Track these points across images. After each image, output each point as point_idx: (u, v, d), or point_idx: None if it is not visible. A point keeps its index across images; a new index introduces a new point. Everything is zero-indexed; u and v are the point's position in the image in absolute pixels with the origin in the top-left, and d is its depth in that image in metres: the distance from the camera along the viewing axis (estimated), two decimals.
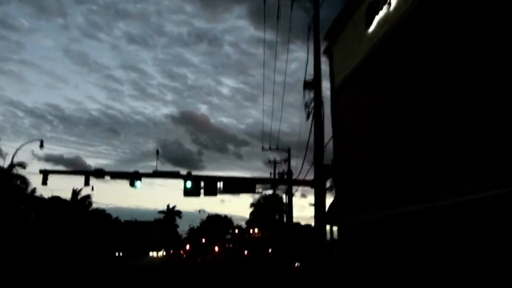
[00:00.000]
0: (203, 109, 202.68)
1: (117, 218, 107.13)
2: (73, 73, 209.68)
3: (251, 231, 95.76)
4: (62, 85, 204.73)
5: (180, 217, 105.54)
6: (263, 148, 39.25)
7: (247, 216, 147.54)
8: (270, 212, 69.11)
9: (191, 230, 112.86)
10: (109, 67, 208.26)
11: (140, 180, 29.86)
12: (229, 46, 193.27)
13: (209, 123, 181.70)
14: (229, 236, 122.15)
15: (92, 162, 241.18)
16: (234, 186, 30.28)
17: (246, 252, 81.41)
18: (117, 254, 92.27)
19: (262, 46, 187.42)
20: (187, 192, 29.39)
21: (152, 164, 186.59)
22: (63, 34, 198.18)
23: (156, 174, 30.83)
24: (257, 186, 31.88)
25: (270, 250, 67.85)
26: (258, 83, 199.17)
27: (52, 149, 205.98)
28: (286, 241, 42.13)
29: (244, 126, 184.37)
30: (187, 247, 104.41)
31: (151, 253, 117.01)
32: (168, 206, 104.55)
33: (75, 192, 59.03)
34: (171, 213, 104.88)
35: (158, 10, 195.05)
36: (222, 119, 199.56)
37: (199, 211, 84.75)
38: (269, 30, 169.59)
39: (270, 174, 39.75)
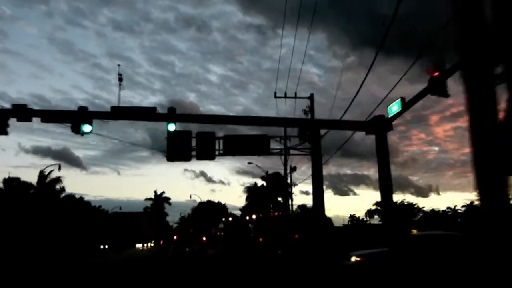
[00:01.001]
0: (191, 97, 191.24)
1: (99, 207, 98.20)
2: (59, 62, 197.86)
3: (247, 218, 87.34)
4: (47, 74, 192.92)
5: (170, 203, 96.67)
6: (275, 94, 30.16)
7: (240, 205, 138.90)
8: (271, 194, 60.28)
9: (182, 219, 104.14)
10: (95, 56, 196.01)
11: (91, 123, 20.37)
12: (217, 32, 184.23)
13: (198, 111, 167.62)
14: (222, 225, 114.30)
15: (81, 154, 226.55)
16: (240, 144, 21.15)
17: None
18: (102, 247, 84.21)
19: (250, 32, 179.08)
20: (172, 154, 20.12)
21: (142, 155, 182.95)
22: (47, 22, 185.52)
23: (117, 111, 20.85)
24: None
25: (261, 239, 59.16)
26: (247, 70, 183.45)
27: (39, 141, 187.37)
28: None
29: (233, 114, 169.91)
30: (175, 237, 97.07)
31: (139, 245, 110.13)
32: (155, 192, 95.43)
33: (43, 175, 49.50)
34: (159, 200, 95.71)
35: None
36: (211, 107, 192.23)
37: (190, 196, 75.55)
38: (258, 15, 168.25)
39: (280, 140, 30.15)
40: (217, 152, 21.22)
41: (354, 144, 47.18)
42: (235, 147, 21.26)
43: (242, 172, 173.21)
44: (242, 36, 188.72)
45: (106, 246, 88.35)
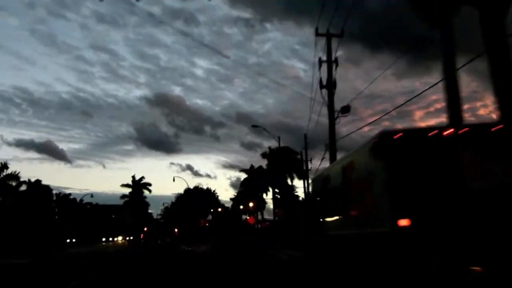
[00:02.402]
0: (176, 91, 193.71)
1: (68, 195, 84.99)
2: (41, 54, 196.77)
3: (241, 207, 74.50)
4: (29, 66, 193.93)
5: (150, 190, 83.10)
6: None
7: (226, 198, 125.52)
8: (277, 174, 47.18)
9: (166, 210, 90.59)
10: (79, 48, 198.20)
11: None
12: (202, 26, 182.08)
13: (184, 105, 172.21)
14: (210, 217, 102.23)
15: (65, 147, 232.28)
16: None
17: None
18: (68, 240, 75.47)
19: (236, 26, 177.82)
20: None
21: (127, 148, 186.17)
22: (29, 13, 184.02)
23: None
24: None
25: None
26: (233, 64, 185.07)
27: (22, 134, 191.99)
28: None
29: (219, 108, 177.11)
30: (145, 229, 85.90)
31: (118, 238, 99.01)
32: (133, 177, 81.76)
33: None
34: (139, 187, 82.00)
35: None
36: (197, 101, 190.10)
37: (173, 179, 62.14)
38: (244, 8, 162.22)
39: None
40: None
41: None
42: None
43: (229, 166, 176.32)
44: (228, 30, 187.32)
45: (74, 240, 75.83)
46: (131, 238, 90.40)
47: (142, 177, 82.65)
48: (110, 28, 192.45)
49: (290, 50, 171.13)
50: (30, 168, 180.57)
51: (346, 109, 19.10)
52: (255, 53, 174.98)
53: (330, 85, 19.50)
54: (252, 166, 66.28)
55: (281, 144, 45.96)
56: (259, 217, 62.95)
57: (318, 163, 35.33)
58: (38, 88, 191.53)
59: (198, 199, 69.70)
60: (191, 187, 73.33)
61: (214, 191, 70.31)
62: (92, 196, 77.48)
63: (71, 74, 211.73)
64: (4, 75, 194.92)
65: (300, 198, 60.81)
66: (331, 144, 19.36)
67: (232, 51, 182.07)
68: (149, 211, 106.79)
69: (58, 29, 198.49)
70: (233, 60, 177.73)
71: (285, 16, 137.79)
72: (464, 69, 10.62)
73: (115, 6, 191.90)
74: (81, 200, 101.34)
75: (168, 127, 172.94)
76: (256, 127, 35.86)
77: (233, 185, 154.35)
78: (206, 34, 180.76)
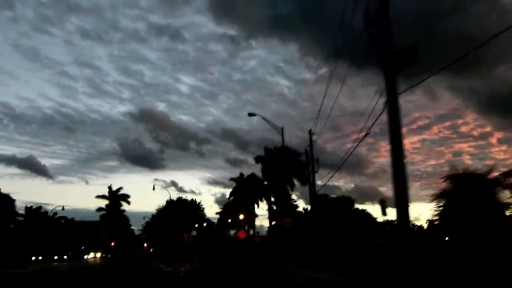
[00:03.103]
0: (161, 107, 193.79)
1: (39, 208, 77.02)
2: (24, 69, 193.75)
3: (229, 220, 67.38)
4: (12, 81, 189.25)
5: (128, 202, 75.45)
6: None
7: (211, 215, 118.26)
8: (272, 180, 40.34)
9: (148, 224, 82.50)
10: (62, 63, 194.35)
11: None
12: (187, 42, 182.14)
13: (169, 120, 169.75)
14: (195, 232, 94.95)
15: (47, 162, 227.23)
16: None
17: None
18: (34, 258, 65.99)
19: (221, 42, 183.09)
20: None
21: (110, 164, 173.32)
22: (12, 28, 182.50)
23: None
24: None
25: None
26: (217, 80, 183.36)
27: (3, 149, 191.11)
28: None
29: (203, 124, 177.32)
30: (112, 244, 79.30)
31: (93, 254, 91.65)
32: (110, 188, 74.14)
33: None
34: (115, 198, 74.34)
35: (112, 4, 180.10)
36: (181, 117, 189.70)
37: (153, 187, 54.62)
38: (230, 25, 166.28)
39: None
40: None
41: None
42: None
43: (213, 182, 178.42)
44: (213, 47, 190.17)
45: (40, 257, 68.08)
46: (108, 255, 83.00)
47: (120, 188, 75.22)
48: (94, 44, 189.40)
49: (274, 68, 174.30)
50: (10, 184, 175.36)
51: None
52: (240, 70, 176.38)
53: None
54: (241, 174, 59.52)
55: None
56: (251, 231, 55.97)
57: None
58: (20, 103, 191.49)
59: (181, 211, 62.32)
60: (174, 199, 65.82)
61: (199, 203, 62.86)
62: (63, 209, 70.00)
63: (54, 89, 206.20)
64: None
65: (301, 208, 54.40)
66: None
67: (217, 67, 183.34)
68: (132, 227, 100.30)
69: (41, 44, 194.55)
70: (218, 76, 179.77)
71: (270, 34, 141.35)
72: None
73: (99, 22, 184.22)
74: (54, 213, 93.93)
75: (153, 143, 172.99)
76: (253, 115, 29.22)
77: (218, 201, 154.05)
78: (191, 50, 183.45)
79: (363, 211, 46.56)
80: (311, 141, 29.31)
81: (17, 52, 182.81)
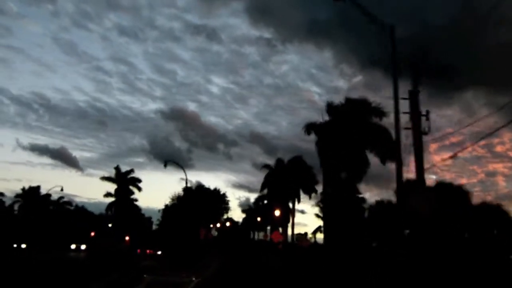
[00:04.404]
0: (191, 107, 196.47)
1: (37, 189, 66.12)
2: (61, 62, 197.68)
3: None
4: (49, 73, 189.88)
5: (139, 188, 63.12)
6: None
7: (236, 219, 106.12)
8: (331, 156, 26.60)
9: (166, 208, 68.67)
10: (98, 59, 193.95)
11: None
12: (221, 44, 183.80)
13: (199, 120, 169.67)
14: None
15: (78, 154, 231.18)
16: None
17: None
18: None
19: (255, 45, 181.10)
20: None
21: (138, 160, 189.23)
22: (52, 22, 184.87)
23: None
24: None
25: None
26: (248, 83, 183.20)
27: (37, 138, 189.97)
28: None
29: (232, 127, 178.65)
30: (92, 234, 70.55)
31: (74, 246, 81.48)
32: (117, 169, 62.22)
33: None
34: (124, 182, 62.23)
35: (149, 3, 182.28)
36: (211, 119, 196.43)
37: (165, 164, 41.56)
38: (266, 27, 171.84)
39: None
40: None
41: None
42: None
43: (238, 186, 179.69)
44: (246, 49, 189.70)
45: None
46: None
47: (131, 170, 62.98)
48: (130, 41, 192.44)
49: (306, 74, 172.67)
50: (42, 173, 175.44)
51: None
52: (272, 74, 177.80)
53: None
54: (280, 159, 46.22)
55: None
56: (289, 231, 42.72)
57: None
58: (56, 95, 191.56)
59: (200, 202, 49.44)
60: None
61: (224, 193, 48.88)
62: (62, 189, 58.40)
63: (89, 84, 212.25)
64: (25, 80, 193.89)
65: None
66: None
67: (249, 70, 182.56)
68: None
69: (79, 39, 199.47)
70: (249, 80, 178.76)
71: (306, 38, 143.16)
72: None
73: (136, 19, 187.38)
74: (60, 199, 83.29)
75: (181, 142, 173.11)
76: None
77: (241, 205, 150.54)
78: (224, 52, 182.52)
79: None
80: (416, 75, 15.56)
81: (56, 45, 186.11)
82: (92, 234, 71.06)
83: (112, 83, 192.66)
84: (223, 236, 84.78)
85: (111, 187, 63.71)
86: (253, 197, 61.37)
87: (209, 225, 53.93)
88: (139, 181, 63.01)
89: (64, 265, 30.35)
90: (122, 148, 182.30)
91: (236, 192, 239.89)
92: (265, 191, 51.67)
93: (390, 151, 21.94)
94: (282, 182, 44.92)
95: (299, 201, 44.92)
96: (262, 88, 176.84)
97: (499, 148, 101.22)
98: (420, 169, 14.96)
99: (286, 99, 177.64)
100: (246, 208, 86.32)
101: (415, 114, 15.07)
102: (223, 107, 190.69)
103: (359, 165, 26.28)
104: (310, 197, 44.75)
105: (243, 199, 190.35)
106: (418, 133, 15.21)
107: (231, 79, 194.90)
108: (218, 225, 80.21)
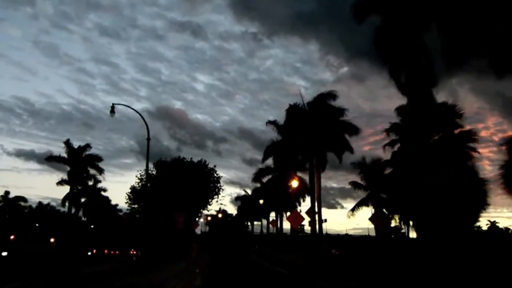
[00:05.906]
0: (177, 105, 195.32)
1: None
2: (43, 65, 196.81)
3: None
4: (31, 77, 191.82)
5: (101, 170, 47.75)
6: None
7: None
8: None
9: (133, 191, 51.39)
10: (80, 60, 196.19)
11: None
12: (204, 41, 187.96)
13: (186, 119, 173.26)
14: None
15: None
16: None
17: None
18: None
19: (239, 41, 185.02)
20: None
21: (127, 162, 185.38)
22: (32, 25, 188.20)
23: None
24: None
25: None
26: (234, 79, 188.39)
27: (22, 144, 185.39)
28: None
29: (219, 123, 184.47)
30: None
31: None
32: (67, 144, 46.83)
33: None
34: (79, 162, 46.65)
35: (130, 2, 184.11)
36: (197, 116, 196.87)
37: (112, 108, 26.36)
38: (250, 22, 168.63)
39: None
40: None
41: None
42: None
43: (229, 182, 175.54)
44: (230, 46, 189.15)
45: None
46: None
47: (87, 145, 47.30)
48: (112, 41, 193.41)
49: (292, 68, 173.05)
50: (29, 179, 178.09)
51: None
52: (257, 69, 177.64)
53: None
54: (294, 105, 31.01)
55: None
56: (317, 209, 27.74)
57: None
58: (39, 99, 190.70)
59: (179, 179, 34.21)
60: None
61: (214, 167, 33.82)
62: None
63: (72, 86, 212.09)
64: (6, 85, 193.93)
65: None
66: None
67: (233, 66, 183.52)
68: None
69: (60, 41, 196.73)
70: (234, 76, 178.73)
71: (290, 32, 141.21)
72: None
73: (117, 19, 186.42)
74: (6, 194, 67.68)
75: (170, 140, 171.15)
76: None
77: (233, 202, 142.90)
78: (208, 49, 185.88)
79: None
80: None
81: (36, 48, 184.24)
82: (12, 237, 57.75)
83: (96, 85, 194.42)
84: (215, 231, 70.43)
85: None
86: (245, 192, 55.51)
87: (195, 212, 38.67)
88: (100, 159, 47.40)
89: None
90: (109, 150, 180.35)
91: (228, 188, 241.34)
92: (270, 160, 37.05)
93: None
94: (295, 143, 30.09)
95: (324, 168, 29.97)
96: (247, 84, 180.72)
97: (483, 133, 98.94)
98: None
99: (272, 94, 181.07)
100: (241, 196, 71.80)
101: None
102: (209, 104, 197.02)
103: None
104: (340, 161, 29.87)
105: (234, 195, 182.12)
106: None
107: (216, 75, 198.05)
108: (208, 215, 65.33)
